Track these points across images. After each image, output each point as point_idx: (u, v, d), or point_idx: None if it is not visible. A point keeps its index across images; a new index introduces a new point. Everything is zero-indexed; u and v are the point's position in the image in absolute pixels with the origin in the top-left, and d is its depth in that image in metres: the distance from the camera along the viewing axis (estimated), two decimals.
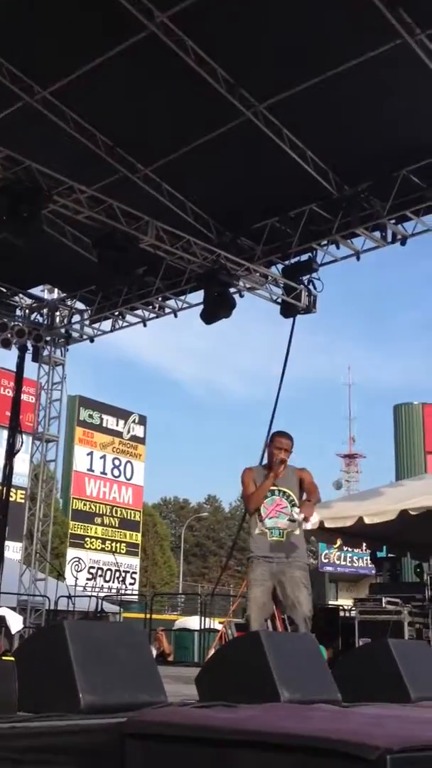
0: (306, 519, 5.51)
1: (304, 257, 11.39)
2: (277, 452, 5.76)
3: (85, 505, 31.91)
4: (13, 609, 12.14)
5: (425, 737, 2.14)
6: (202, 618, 17.11)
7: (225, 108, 9.08)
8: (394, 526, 10.50)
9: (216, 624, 16.29)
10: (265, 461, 6.06)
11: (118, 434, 33.44)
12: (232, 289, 11.40)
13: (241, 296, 11.72)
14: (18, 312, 14.05)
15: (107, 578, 31.12)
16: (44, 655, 2.85)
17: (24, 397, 15.40)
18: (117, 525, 32.89)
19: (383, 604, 10.11)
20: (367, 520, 10.18)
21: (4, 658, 3.08)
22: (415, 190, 9.74)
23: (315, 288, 11.62)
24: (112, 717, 2.53)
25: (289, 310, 11.66)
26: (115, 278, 10.83)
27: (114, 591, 26.58)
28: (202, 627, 16.82)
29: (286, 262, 11.52)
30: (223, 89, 8.83)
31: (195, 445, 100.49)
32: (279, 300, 11.74)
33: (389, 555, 14.02)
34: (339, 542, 13.28)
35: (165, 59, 8.52)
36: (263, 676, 3.15)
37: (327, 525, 10.75)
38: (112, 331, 13.93)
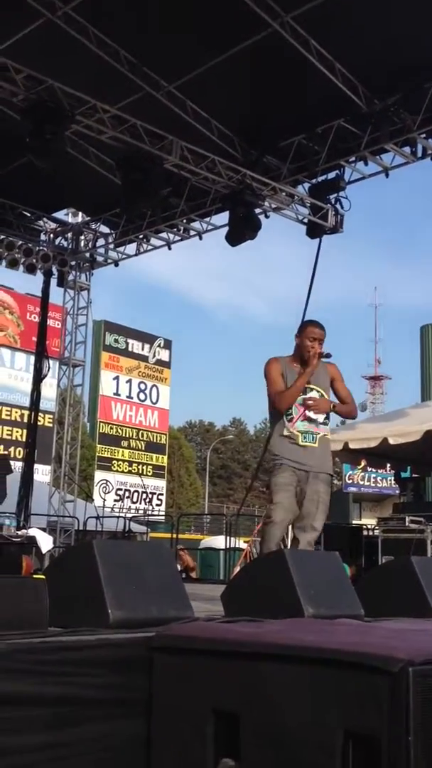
0: (340, 412, 5.26)
1: (332, 175, 11.13)
2: (310, 343, 5.11)
3: (111, 428, 32.33)
4: (43, 529, 12.43)
5: None
6: (228, 537, 17.42)
7: (250, 20, 8.72)
8: (419, 447, 10.56)
9: (241, 543, 16.60)
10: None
11: (144, 358, 33.62)
12: (257, 210, 11.22)
13: (267, 217, 11.54)
14: (42, 237, 13.98)
15: (134, 500, 31.75)
16: (74, 572, 2.91)
17: (50, 322, 15.43)
18: (143, 448, 33.37)
19: (406, 523, 10.24)
20: (391, 441, 10.24)
21: (35, 576, 3.16)
22: None
23: (342, 207, 11.41)
24: (141, 631, 2.60)
25: (315, 231, 11.47)
26: (140, 200, 10.67)
27: (141, 512, 27.11)
28: (228, 546, 17.14)
29: (313, 181, 11.27)
30: None
31: (220, 369, 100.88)
32: (305, 220, 11.54)
33: (413, 475, 14.12)
34: (363, 463, 13.35)
35: None
36: (287, 592, 3.21)
37: (351, 446, 10.83)
38: (136, 254, 13.84)
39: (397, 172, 10.66)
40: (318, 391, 5.17)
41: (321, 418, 5.15)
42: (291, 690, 2.19)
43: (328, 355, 5.21)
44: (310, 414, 5.10)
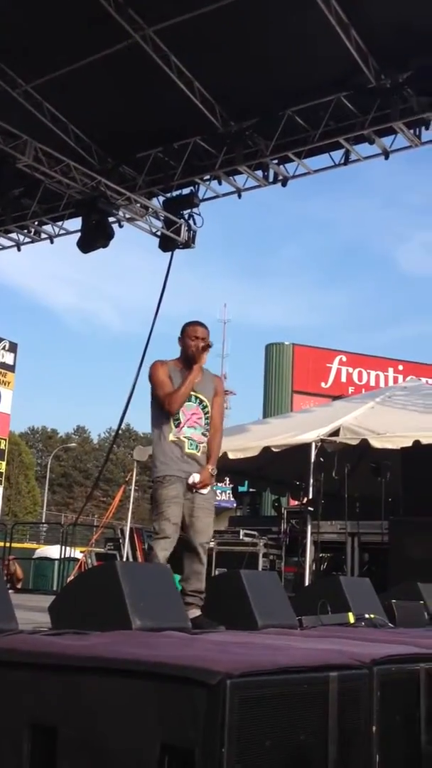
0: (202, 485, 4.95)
1: (186, 191, 11.27)
2: (194, 341, 5.04)
3: None
4: None
5: (265, 662, 2.25)
6: (63, 547, 17.16)
7: (113, 29, 8.72)
8: (257, 462, 10.84)
9: (77, 553, 16.40)
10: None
11: None
12: (111, 219, 11.17)
13: (121, 226, 11.51)
14: None
15: None
16: None
17: None
18: None
19: (241, 536, 10.45)
20: (231, 456, 10.44)
21: None
22: (298, 131, 9.77)
23: (195, 223, 11.53)
24: None
25: (168, 244, 11.54)
26: None
27: None
28: (63, 556, 16.89)
29: (168, 195, 11.37)
30: (111, 8, 8.48)
31: (66, 376, 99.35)
32: (158, 233, 11.61)
33: (250, 490, 14.45)
34: None
35: None
36: (116, 604, 3.21)
37: None
38: None
39: (250, 193, 10.96)
40: (200, 399, 5.09)
41: (203, 424, 5.08)
42: (111, 703, 2.18)
43: (210, 345, 5.15)
44: (195, 421, 5.02)
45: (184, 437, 4.97)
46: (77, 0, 8.40)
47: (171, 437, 4.96)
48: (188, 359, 5.07)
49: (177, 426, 4.98)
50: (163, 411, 5.01)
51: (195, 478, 4.92)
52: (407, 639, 3.51)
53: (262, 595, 4.01)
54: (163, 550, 4.73)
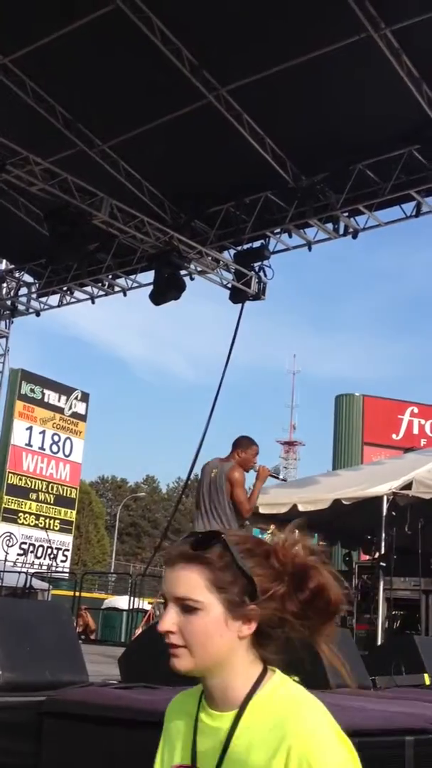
0: None
1: (257, 244, 11.41)
2: (256, 460, 6.38)
3: (20, 480, 31.56)
4: None
5: (342, 724, 2.18)
6: (132, 598, 17.12)
7: (187, 89, 9.00)
8: (327, 515, 10.66)
9: (145, 604, 16.33)
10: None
11: (60, 410, 33.13)
12: (182, 272, 11.37)
13: (192, 279, 11.70)
14: None
15: (38, 554, 30.91)
16: None
17: None
18: (52, 501, 32.63)
19: None
20: (301, 508, 10.31)
21: None
22: (369, 184, 9.82)
23: (265, 275, 11.65)
24: (32, 695, 2.53)
25: (238, 296, 11.67)
26: (66, 253, 10.68)
27: (45, 567, 26.41)
28: (131, 607, 16.84)
29: (239, 248, 11.52)
30: (186, 70, 8.75)
31: (137, 426, 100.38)
32: (229, 285, 11.74)
33: (320, 543, 14.21)
34: (272, 528, 13.41)
35: (130, 35, 8.40)
36: None
37: (262, 511, 10.86)
38: (59, 306, 13.76)
39: (321, 246, 11.03)
40: None
41: None
42: None
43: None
44: None
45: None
46: (153, 61, 8.69)
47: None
48: (246, 468, 6.27)
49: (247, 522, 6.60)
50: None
51: None
52: None
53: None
54: None
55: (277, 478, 6.38)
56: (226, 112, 9.23)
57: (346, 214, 10.39)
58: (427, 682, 4.23)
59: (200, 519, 6.11)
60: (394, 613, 9.83)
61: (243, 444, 6.33)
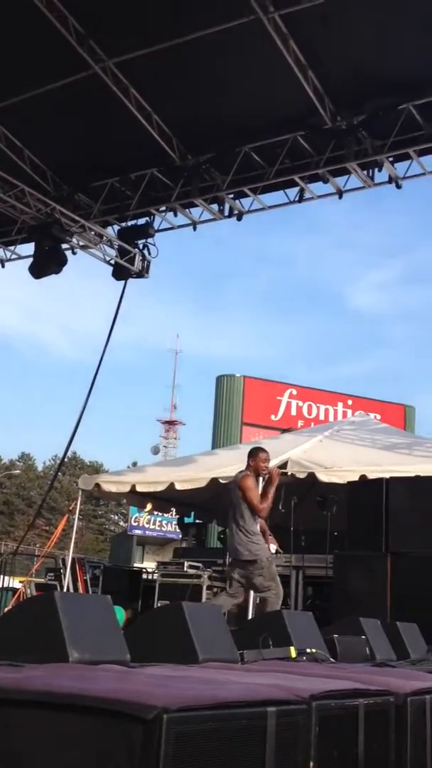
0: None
1: (141, 221, 11.32)
2: (265, 464, 7.23)
3: None
4: None
5: (204, 697, 2.22)
6: (2, 576, 16.75)
7: (73, 58, 8.78)
8: (204, 493, 10.78)
9: (16, 583, 16.05)
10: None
11: None
12: (64, 245, 11.14)
13: (74, 253, 11.48)
14: None
15: None
16: None
17: None
18: None
19: (185, 568, 10.36)
20: (178, 486, 10.38)
21: None
22: (254, 168, 9.92)
23: (150, 253, 11.57)
24: None
25: (121, 273, 11.54)
26: None
27: None
28: (1, 586, 16.49)
29: (123, 224, 11.39)
30: (72, 38, 8.54)
31: (13, 402, 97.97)
32: (112, 261, 11.61)
33: (196, 521, 14.36)
34: (150, 506, 13.47)
35: (14, 1, 8.11)
36: (54, 635, 3.13)
37: (139, 489, 10.88)
38: None
39: (207, 228, 11.06)
40: None
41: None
42: (43, 738, 2.13)
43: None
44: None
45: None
46: (38, 28, 8.43)
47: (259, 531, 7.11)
48: (258, 475, 7.24)
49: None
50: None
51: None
52: (347, 674, 3.51)
53: (204, 629, 3.96)
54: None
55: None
56: (113, 85, 9.08)
57: (231, 195, 10.46)
58: (293, 655, 4.35)
59: (228, 521, 7.33)
60: None
61: (253, 453, 7.29)
